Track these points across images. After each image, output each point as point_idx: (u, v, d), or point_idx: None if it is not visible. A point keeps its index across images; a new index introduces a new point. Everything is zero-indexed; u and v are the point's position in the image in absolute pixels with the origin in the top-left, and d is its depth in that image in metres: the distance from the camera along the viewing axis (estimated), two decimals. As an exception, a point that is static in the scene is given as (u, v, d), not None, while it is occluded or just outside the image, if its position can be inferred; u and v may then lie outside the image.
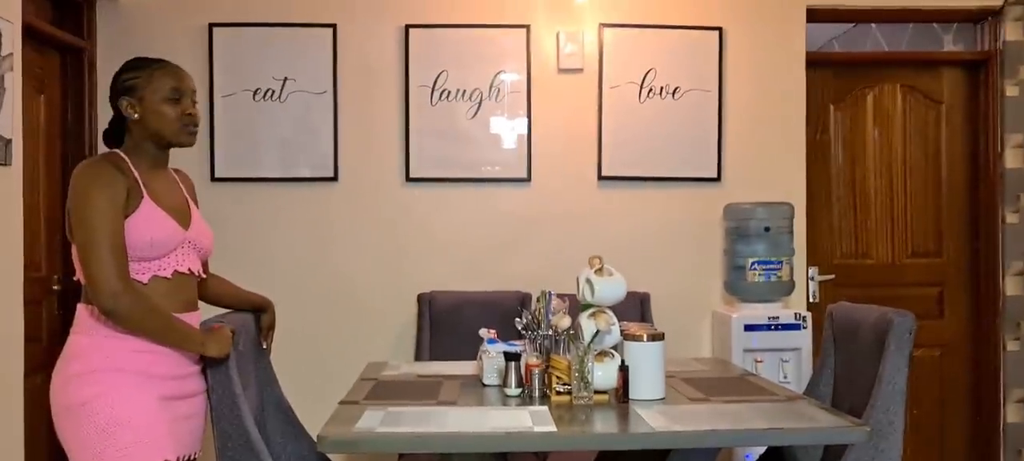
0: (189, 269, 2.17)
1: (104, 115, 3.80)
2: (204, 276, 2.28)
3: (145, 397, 2.04)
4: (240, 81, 3.87)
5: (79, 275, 2.07)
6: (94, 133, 3.82)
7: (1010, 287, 4.09)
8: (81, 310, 2.09)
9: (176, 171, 2.31)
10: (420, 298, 3.83)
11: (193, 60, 3.84)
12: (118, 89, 2.16)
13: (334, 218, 3.94)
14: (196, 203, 2.32)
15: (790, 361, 3.72)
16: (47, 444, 3.44)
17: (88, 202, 2.00)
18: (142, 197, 2.08)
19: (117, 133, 2.21)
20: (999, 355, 4.11)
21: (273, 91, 3.87)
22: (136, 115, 2.13)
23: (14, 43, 2.92)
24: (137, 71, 2.15)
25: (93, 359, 2.03)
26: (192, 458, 2.23)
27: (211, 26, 3.84)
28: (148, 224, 2.06)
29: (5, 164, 2.87)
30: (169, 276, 2.11)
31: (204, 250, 2.25)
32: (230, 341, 2.16)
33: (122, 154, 2.14)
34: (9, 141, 2.89)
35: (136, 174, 2.10)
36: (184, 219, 2.18)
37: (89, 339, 2.06)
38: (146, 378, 2.06)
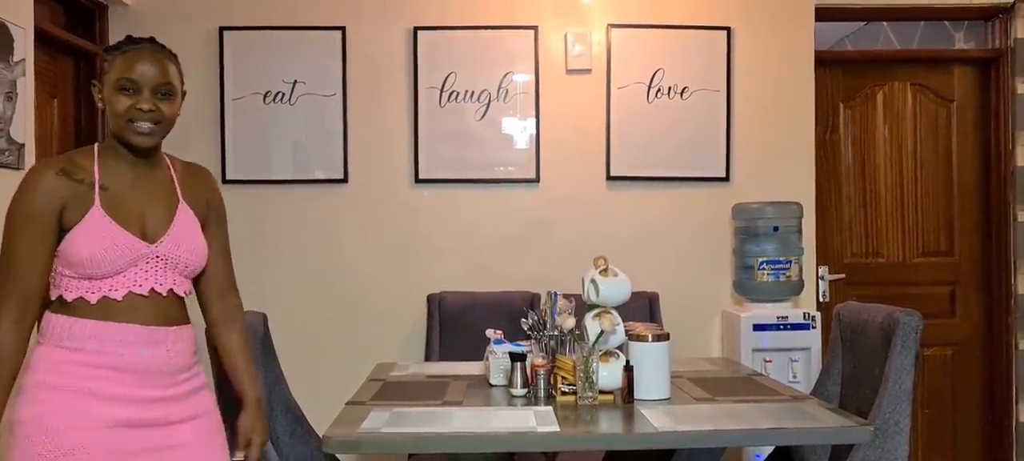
0: (151, 289, 1.83)
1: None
2: (182, 295, 1.91)
3: (92, 422, 1.76)
4: (250, 84, 3.90)
5: None
6: (106, 137, 3.86)
7: (1022, 285, 4.07)
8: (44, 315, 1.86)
9: (187, 166, 2.01)
10: (429, 299, 3.85)
11: (204, 64, 3.89)
12: (97, 70, 1.91)
13: (344, 219, 3.96)
14: (208, 204, 2.00)
15: (799, 361, 3.71)
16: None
17: (11, 210, 1.79)
18: (91, 205, 1.80)
19: None
20: (1011, 354, 4.09)
21: (283, 94, 3.90)
22: (99, 102, 1.87)
23: (27, 48, 2.96)
24: (110, 52, 1.86)
25: (39, 370, 1.79)
26: None
27: (222, 30, 3.88)
28: (89, 238, 1.77)
29: (18, 168, 2.91)
30: (119, 299, 1.80)
31: (185, 266, 1.89)
32: None
33: (95, 150, 1.88)
34: (22, 145, 2.93)
35: (97, 176, 1.82)
36: (154, 230, 1.86)
37: (43, 347, 1.82)
38: (95, 399, 1.77)
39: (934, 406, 4.21)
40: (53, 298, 1.84)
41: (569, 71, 3.96)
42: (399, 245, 3.96)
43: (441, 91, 3.93)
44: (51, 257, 1.80)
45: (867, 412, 2.59)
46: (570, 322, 2.52)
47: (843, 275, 4.20)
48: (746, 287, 3.82)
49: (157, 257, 1.84)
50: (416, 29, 3.92)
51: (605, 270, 2.61)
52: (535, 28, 3.94)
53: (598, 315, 2.54)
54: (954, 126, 4.25)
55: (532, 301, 3.72)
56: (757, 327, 3.70)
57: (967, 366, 4.25)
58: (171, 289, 1.87)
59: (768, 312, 3.73)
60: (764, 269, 3.76)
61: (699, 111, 3.96)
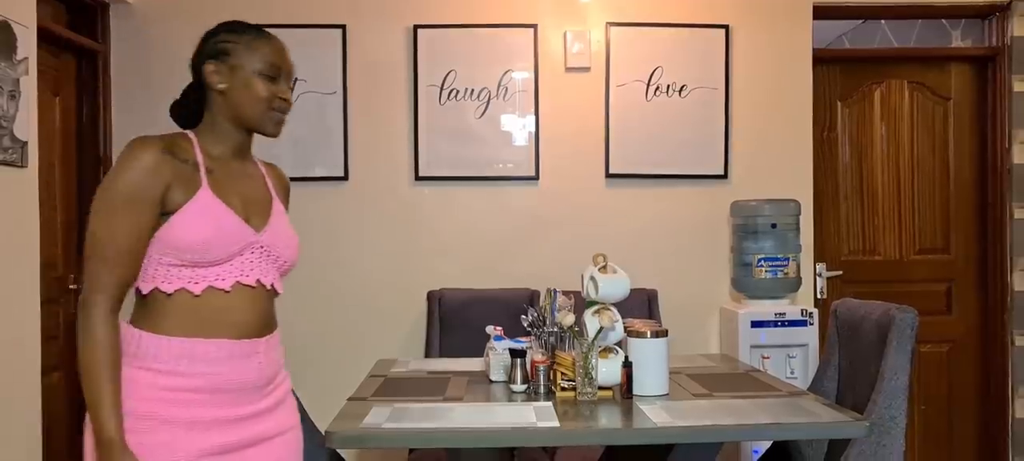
0: (258, 280, 1.71)
1: (120, 117, 3.91)
2: (279, 292, 1.80)
3: (184, 456, 1.60)
4: (251, 82, 3.91)
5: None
6: (109, 135, 3.89)
7: (1018, 283, 4.09)
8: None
9: (267, 164, 1.90)
10: (429, 296, 3.87)
11: (205, 62, 3.90)
12: (207, 51, 1.75)
13: (344, 217, 3.99)
14: (286, 205, 1.91)
15: (797, 357, 3.74)
16: (66, 441, 3.51)
17: (107, 187, 1.60)
18: (199, 186, 1.65)
19: (189, 109, 1.78)
20: (1007, 351, 4.12)
21: (284, 92, 3.91)
22: (222, 85, 1.72)
23: (29, 47, 2.98)
24: (235, 34, 1.75)
25: (136, 400, 1.59)
26: None
27: (223, 28, 3.89)
28: (201, 220, 1.62)
29: (21, 166, 2.93)
30: (227, 289, 1.66)
31: (284, 261, 1.79)
32: None
33: (191, 135, 1.73)
34: (25, 143, 2.95)
35: (200, 159, 1.68)
36: (258, 218, 1.74)
37: (126, 370, 1.60)
38: (187, 429, 1.60)
39: (931, 403, 4.24)
40: (144, 292, 1.64)
41: (568, 69, 3.98)
42: (399, 242, 3.99)
43: (441, 89, 3.95)
44: (148, 241, 1.61)
45: (863, 408, 2.61)
46: (569, 319, 2.55)
47: (841, 272, 4.22)
48: (744, 284, 3.84)
49: (262, 247, 1.72)
50: (416, 27, 3.94)
51: (604, 267, 2.63)
52: (534, 26, 3.96)
53: (597, 312, 2.56)
54: (951, 124, 4.28)
55: (532, 298, 3.75)
56: (755, 324, 3.73)
57: (963, 363, 4.28)
58: (273, 284, 1.75)
59: (766, 309, 3.75)
60: (762, 266, 3.79)
61: (697, 109, 3.99)
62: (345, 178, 3.97)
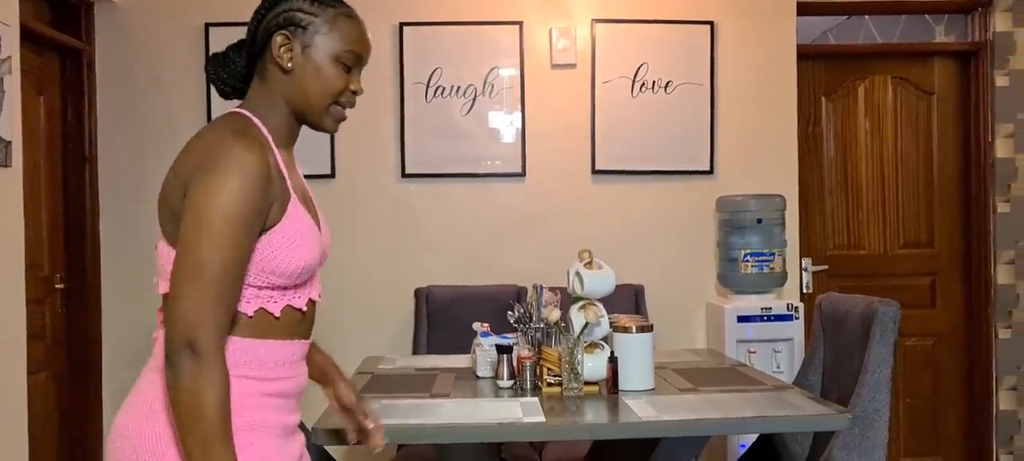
0: (319, 293, 1.55)
1: (105, 116, 3.89)
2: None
3: None
4: (237, 80, 3.91)
5: (164, 285, 1.37)
6: (93, 134, 3.88)
7: (1002, 275, 4.13)
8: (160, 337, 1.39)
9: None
10: (417, 293, 3.88)
11: (189, 60, 3.90)
12: (278, 18, 1.44)
13: (332, 215, 3.91)
14: None
15: (783, 351, 3.76)
16: (53, 441, 3.50)
17: (220, 204, 1.28)
18: (289, 198, 1.40)
19: (232, 73, 1.52)
20: (991, 343, 4.15)
21: (270, 90, 3.91)
22: (289, 63, 1.43)
23: (13, 46, 2.97)
24: (317, 5, 1.45)
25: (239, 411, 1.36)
26: None
27: (207, 26, 3.89)
28: (300, 240, 1.40)
29: (5, 165, 2.92)
30: (303, 308, 1.47)
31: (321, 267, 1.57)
32: None
33: (256, 120, 1.44)
34: (9, 142, 2.94)
35: (278, 157, 1.42)
36: (316, 220, 1.52)
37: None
38: (285, 435, 1.44)
39: (916, 396, 4.27)
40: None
41: (554, 66, 3.99)
42: (386, 239, 3.99)
43: (427, 86, 3.96)
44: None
45: (847, 400, 2.63)
46: (556, 314, 2.56)
47: (826, 266, 4.25)
48: (730, 279, 3.86)
49: (324, 256, 1.53)
50: (402, 25, 3.95)
51: (590, 263, 2.64)
52: (520, 23, 3.97)
53: (583, 307, 2.57)
54: (934, 118, 4.31)
55: (518, 294, 3.75)
56: (741, 318, 3.75)
57: (948, 356, 4.31)
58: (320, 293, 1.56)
59: (752, 304, 3.78)
60: (748, 261, 3.81)
61: (683, 105, 4.00)
62: (332, 176, 3.97)
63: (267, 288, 1.39)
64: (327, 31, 1.44)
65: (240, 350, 1.37)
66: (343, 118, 1.51)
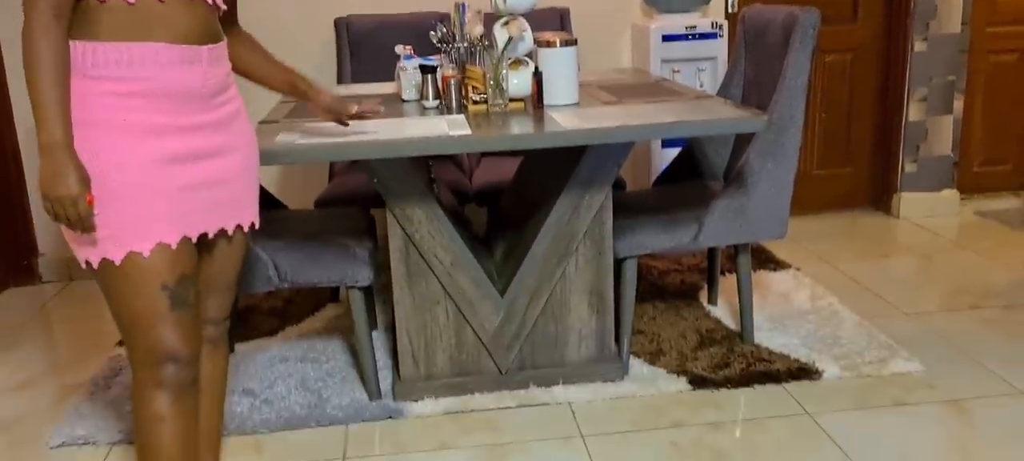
0: None
1: None
2: (222, 6, 1.71)
3: (133, 160, 1.57)
4: None
5: None
6: None
7: (921, -14, 4.16)
8: None
9: None
10: (337, 23, 3.76)
11: None
12: None
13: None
14: None
15: (706, 70, 3.80)
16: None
17: None
18: None
19: None
20: (907, 56, 4.24)
21: None
22: None
23: None
24: None
25: (75, 108, 1.55)
26: (227, 233, 1.78)
27: None
28: None
29: None
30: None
31: None
32: (84, 218, 1.54)
33: None
34: None
35: None
36: None
37: (75, 81, 1.55)
38: (130, 134, 1.57)
39: (832, 109, 4.40)
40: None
41: None
42: (302, -33, 3.81)
43: None
44: None
45: (766, 109, 2.71)
46: (479, 30, 2.52)
47: (751, -17, 4.22)
48: (656, -2, 3.83)
49: None
50: None
51: (512, -23, 2.58)
52: None
53: (506, 23, 2.54)
54: None
55: (442, 20, 3.67)
56: (666, 38, 3.75)
57: (864, 70, 4.41)
58: None
59: (677, 22, 3.76)
60: (674, -21, 3.76)
61: None
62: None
63: None
64: None
65: (81, 53, 1.53)
66: None
